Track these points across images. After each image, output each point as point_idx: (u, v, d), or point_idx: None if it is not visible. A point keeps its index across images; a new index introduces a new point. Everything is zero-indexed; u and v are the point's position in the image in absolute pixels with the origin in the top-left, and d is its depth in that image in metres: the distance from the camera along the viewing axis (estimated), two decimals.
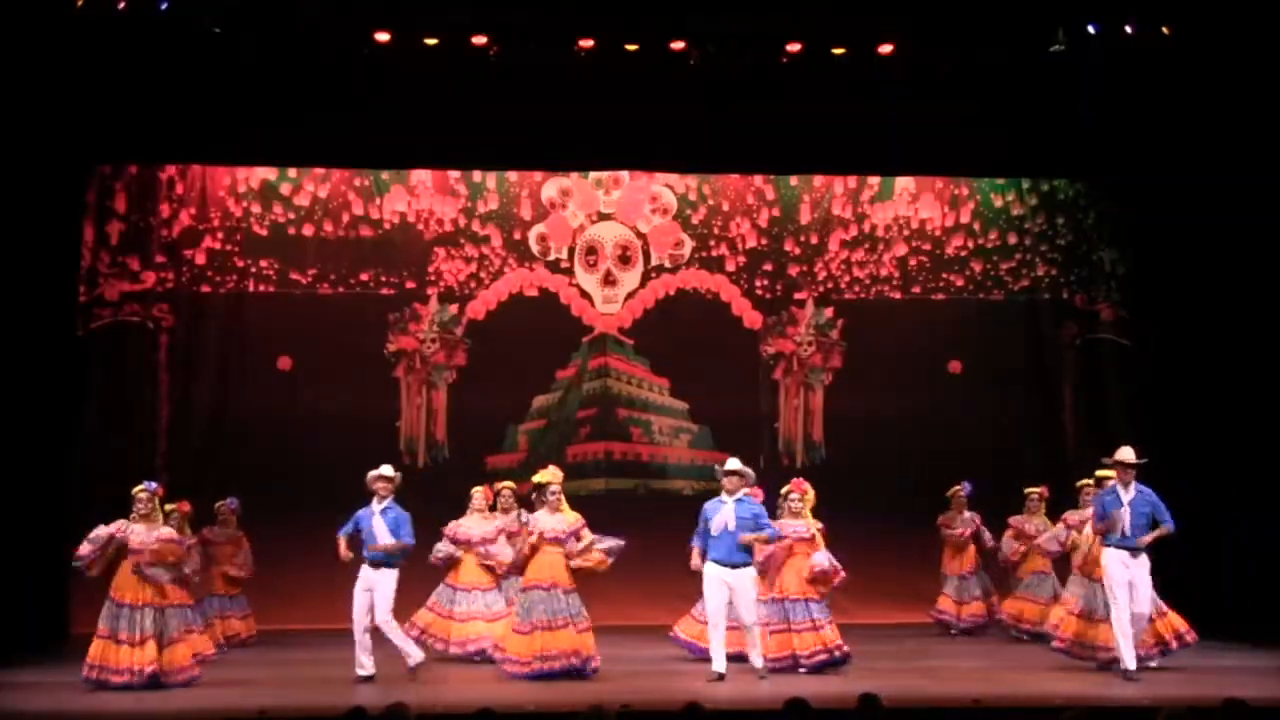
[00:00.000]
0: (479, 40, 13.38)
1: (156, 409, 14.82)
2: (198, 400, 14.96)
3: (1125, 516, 10.89)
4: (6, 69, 12.58)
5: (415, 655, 11.11)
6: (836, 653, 11.23)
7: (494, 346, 15.42)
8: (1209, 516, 13.16)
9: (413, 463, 15.31)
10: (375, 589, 11.07)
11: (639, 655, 11.92)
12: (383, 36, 13.28)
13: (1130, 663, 10.83)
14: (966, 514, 14.17)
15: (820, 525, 11.62)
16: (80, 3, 12.64)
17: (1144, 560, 10.99)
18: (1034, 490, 13.93)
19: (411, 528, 11.20)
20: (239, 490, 13.57)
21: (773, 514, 11.48)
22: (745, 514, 11.00)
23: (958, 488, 14.13)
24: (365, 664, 10.99)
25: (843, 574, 11.52)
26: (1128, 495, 10.96)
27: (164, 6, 12.82)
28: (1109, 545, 10.98)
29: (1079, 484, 12.91)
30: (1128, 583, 10.86)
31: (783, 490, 11.55)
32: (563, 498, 11.17)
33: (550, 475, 11.19)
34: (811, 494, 11.54)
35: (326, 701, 9.74)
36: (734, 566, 10.97)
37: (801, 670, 11.17)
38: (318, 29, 13.00)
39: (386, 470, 11.32)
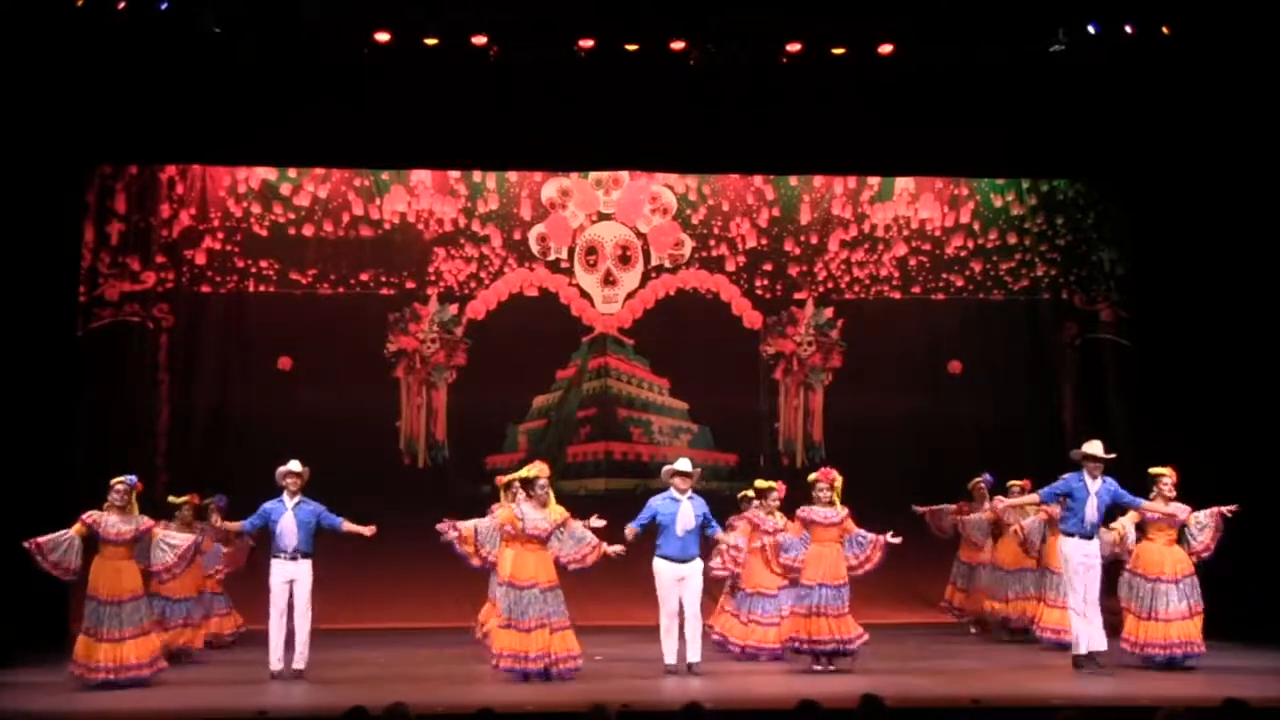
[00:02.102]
0: (479, 40, 13.39)
1: (156, 409, 14.83)
2: (198, 400, 14.97)
3: (1092, 506, 11.09)
4: (7, 69, 12.58)
5: (302, 663, 11.05)
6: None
7: (494, 346, 15.42)
8: None
9: (413, 463, 15.34)
10: (297, 581, 11.05)
11: (639, 655, 11.90)
12: (383, 36, 13.29)
13: (1083, 647, 11.05)
14: (989, 504, 14.07)
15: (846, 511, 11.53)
16: (80, 2, 12.64)
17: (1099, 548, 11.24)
18: (1016, 484, 13.44)
19: (329, 511, 11.19)
20: (238, 490, 13.53)
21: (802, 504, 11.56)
22: (699, 511, 11.26)
23: (978, 480, 13.98)
24: (279, 660, 11.01)
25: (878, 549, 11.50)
26: (1094, 486, 11.13)
27: (164, 6, 12.83)
28: (1068, 534, 11.19)
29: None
30: (1086, 570, 11.09)
31: (810, 478, 11.57)
32: (550, 493, 11.09)
33: (538, 469, 11.10)
34: (839, 481, 11.54)
35: (326, 701, 9.74)
36: (687, 560, 11.21)
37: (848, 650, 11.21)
38: (318, 29, 13.01)
39: (294, 466, 11.22)
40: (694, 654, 11.12)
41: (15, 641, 12.16)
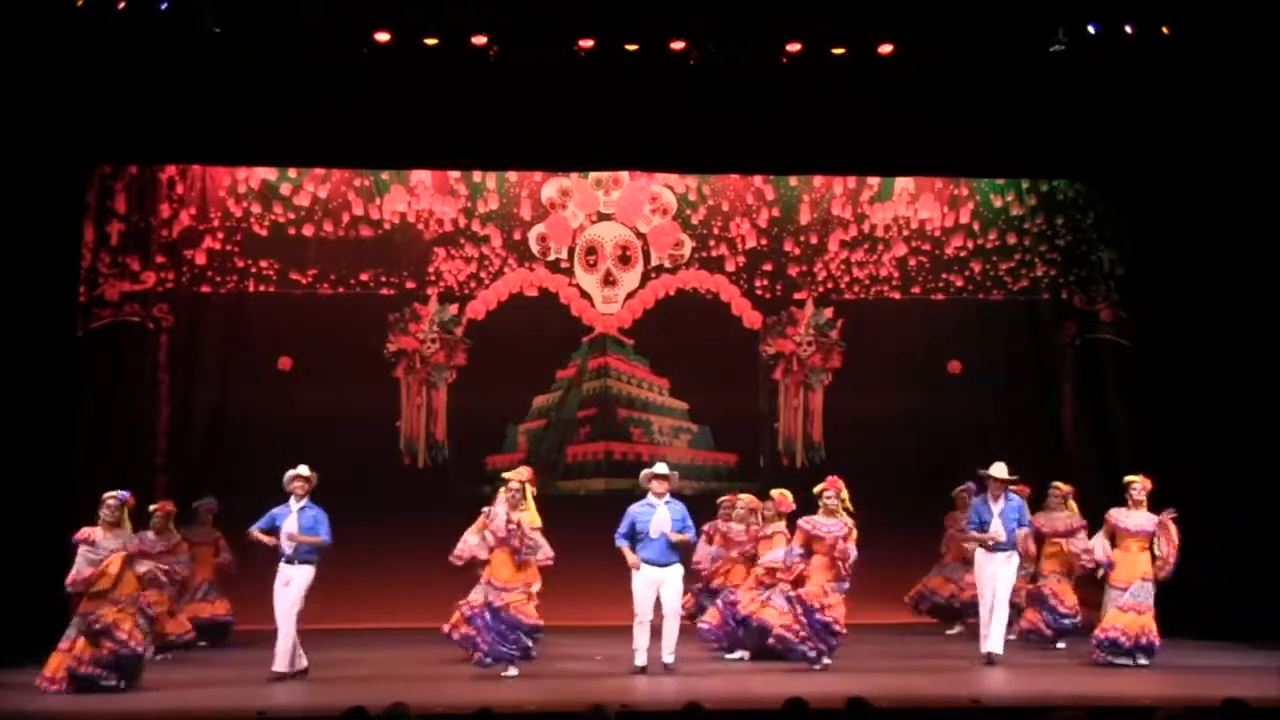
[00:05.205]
0: (479, 40, 13.39)
1: (156, 409, 14.82)
2: (198, 400, 14.97)
3: (998, 525, 11.87)
4: (7, 69, 12.57)
5: (301, 662, 11.16)
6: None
7: (494, 346, 15.42)
8: (1208, 516, 13.14)
9: (413, 463, 15.34)
10: (290, 583, 11.16)
11: None
12: (383, 36, 13.29)
13: (995, 647, 11.65)
14: None
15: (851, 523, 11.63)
16: (80, 2, 12.64)
17: (1012, 558, 11.96)
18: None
19: (329, 527, 11.23)
20: (239, 490, 13.55)
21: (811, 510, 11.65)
22: (676, 515, 11.40)
23: (962, 489, 13.98)
24: (300, 659, 11.16)
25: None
26: (998, 506, 11.93)
27: (164, 6, 12.83)
28: (980, 548, 12.08)
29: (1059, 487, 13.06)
30: (993, 580, 11.85)
31: (816, 489, 11.63)
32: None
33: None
34: (845, 491, 11.61)
35: (326, 701, 9.74)
36: (665, 565, 11.38)
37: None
38: (318, 29, 13.01)
39: (303, 470, 11.38)
40: (668, 654, 11.27)
41: (15, 641, 12.15)
